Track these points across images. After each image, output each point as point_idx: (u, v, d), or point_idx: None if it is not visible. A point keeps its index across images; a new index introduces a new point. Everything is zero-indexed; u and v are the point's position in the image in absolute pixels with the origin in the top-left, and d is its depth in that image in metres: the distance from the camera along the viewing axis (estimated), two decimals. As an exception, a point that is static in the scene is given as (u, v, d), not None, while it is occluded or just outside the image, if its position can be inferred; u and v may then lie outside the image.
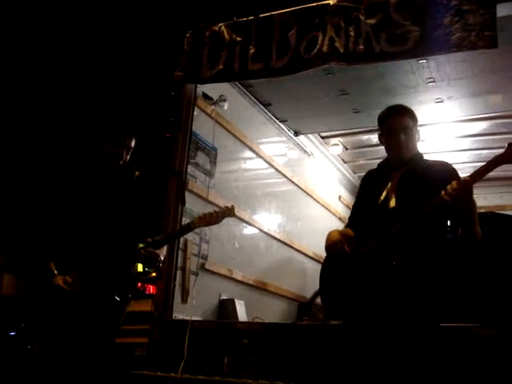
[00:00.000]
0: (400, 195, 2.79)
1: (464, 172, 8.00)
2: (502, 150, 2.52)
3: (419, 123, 5.89)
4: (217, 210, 3.47)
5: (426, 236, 2.67)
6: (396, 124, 2.94)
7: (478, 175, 2.54)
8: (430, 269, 2.65)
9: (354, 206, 3.18)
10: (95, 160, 3.29)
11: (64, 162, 3.43)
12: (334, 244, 2.85)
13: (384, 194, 2.83)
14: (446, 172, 2.81)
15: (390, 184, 2.86)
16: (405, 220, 2.63)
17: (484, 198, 7.09)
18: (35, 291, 3.06)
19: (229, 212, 3.45)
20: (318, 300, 6.31)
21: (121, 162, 3.27)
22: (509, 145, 2.50)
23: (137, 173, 3.41)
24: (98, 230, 3.12)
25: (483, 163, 2.55)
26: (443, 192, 2.53)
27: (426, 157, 3.04)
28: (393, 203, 2.79)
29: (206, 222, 3.40)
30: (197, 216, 3.48)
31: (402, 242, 2.64)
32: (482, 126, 6.10)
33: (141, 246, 3.14)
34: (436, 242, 2.72)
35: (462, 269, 3.66)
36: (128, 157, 3.31)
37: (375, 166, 3.18)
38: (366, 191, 3.06)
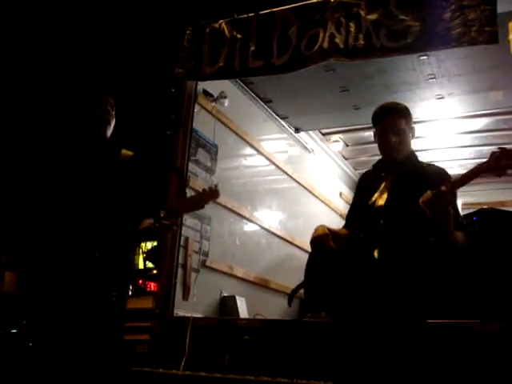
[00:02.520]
0: (391, 197, 2.76)
1: (466, 168, 7.98)
2: (503, 147, 2.49)
3: (420, 120, 5.97)
4: (199, 191, 3.20)
5: (409, 235, 2.63)
6: (387, 125, 2.82)
7: (456, 185, 2.48)
8: (411, 266, 2.61)
9: (350, 206, 3.16)
10: (78, 128, 3.07)
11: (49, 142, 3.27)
12: (317, 237, 2.82)
13: (376, 195, 2.82)
14: (438, 176, 2.70)
15: (382, 186, 2.83)
16: (387, 220, 2.61)
17: (484, 194, 7.10)
18: (30, 286, 3.02)
19: (212, 194, 3.11)
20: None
21: (106, 127, 3.05)
22: (492, 154, 2.43)
23: (128, 153, 3.16)
24: (86, 215, 2.92)
25: (484, 159, 2.52)
26: (420, 199, 2.47)
27: (422, 155, 2.98)
28: (381, 203, 2.77)
29: (190, 208, 3.25)
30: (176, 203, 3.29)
31: (383, 240, 2.62)
32: (482, 122, 6.10)
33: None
34: (419, 240, 2.69)
35: (462, 265, 3.66)
36: (112, 121, 3.09)
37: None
38: (360, 192, 3.04)
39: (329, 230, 2.86)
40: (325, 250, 2.79)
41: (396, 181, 2.80)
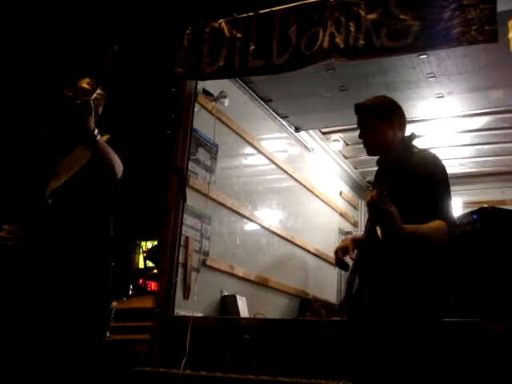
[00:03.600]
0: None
1: (466, 167, 7.97)
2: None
3: (420, 118, 5.96)
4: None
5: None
6: (358, 123, 2.88)
7: (380, 188, 2.45)
8: (406, 267, 2.61)
9: None
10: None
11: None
12: (336, 250, 2.85)
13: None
14: (415, 168, 2.66)
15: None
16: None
17: (485, 193, 7.11)
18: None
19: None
20: (320, 296, 6.34)
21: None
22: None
23: (104, 136, 3.17)
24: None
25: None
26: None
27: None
28: None
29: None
30: None
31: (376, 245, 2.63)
32: (482, 120, 6.10)
33: None
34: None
35: (462, 264, 3.66)
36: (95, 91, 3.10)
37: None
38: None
39: (355, 239, 2.87)
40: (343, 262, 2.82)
41: (382, 179, 2.78)
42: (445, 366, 2.87)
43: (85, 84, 3.15)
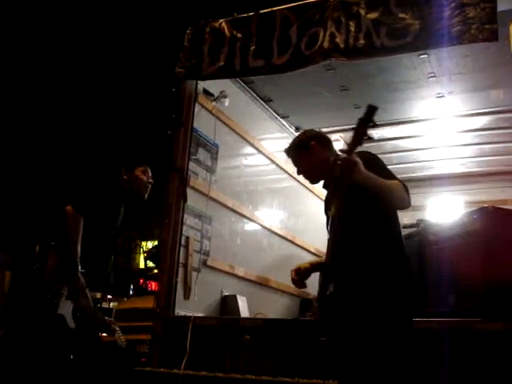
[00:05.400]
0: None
1: (467, 167, 7.92)
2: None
3: (420, 118, 5.95)
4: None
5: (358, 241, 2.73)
6: (296, 164, 3.19)
7: (351, 147, 2.48)
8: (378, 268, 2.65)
9: None
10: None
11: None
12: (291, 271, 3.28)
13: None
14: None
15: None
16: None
17: (486, 193, 7.10)
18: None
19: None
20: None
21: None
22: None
23: None
24: None
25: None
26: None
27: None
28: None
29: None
30: None
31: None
32: (483, 120, 6.09)
33: None
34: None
35: (463, 263, 3.66)
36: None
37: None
38: None
39: (313, 263, 3.34)
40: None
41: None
42: (443, 366, 2.88)
43: (138, 173, 4.02)
